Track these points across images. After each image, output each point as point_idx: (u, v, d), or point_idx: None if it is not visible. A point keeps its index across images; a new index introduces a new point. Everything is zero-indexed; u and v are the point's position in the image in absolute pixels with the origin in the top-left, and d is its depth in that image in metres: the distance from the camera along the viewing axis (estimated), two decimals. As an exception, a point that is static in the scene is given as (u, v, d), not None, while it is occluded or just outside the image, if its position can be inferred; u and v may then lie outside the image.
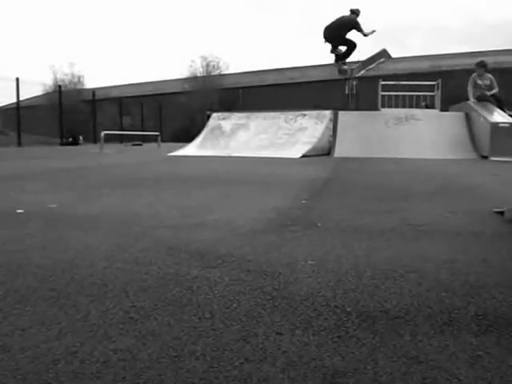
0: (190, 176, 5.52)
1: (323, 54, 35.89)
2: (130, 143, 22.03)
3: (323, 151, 10.26)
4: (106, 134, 14.13)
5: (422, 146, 9.95)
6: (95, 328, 1.19)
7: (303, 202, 3.38)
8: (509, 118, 9.75)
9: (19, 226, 2.47)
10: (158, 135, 18.21)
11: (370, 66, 34.52)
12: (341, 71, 11.39)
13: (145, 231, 2.35)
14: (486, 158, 9.21)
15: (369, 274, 1.65)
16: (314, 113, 11.16)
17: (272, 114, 11.70)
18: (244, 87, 36.65)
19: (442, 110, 12.42)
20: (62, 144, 21.81)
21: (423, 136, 10.32)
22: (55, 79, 32.47)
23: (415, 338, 1.15)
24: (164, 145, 17.77)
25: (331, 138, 10.69)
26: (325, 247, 2.04)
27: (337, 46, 10.96)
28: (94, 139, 23.32)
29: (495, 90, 10.68)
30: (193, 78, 36.97)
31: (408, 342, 1.13)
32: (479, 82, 10.75)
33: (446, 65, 28.95)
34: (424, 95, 13.67)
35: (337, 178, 5.52)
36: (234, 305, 1.36)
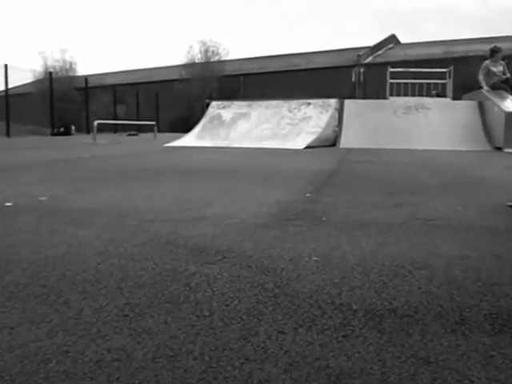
0: (188, 168, 5.52)
1: (329, 40, 35.86)
2: (125, 133, 21.99)
3: (328, 142, 10.25)
4: (99, 124, 14.12)
5: (433, 136, 9.94)
6: (88, 326, 1.20)
7: (307, 195, 3.38)
8: (525, 107, 9.71)
9: (8, 220, 2.47)
10: (154, 125, 18.19)
11: (378, 53, 34.44)
12: None
13: (141, 225, 2.35)
14: (500, 149, 9.19)
15: (376, 271, 1.65)
16: (319, 101, 11.14)
17: (274, 102, 11.68)
18: (245, 74, 36.59)
19: (454, 98, 12.39)
20: (53, 134, 21.78)
21: (434, 126, 10.30)
22: (46, 66, 32.53)
23: (425, 337, 1.15)
24: (160, 135, 17.76)
25: (337, 128, 10.67)
26: (330, 243, 2.04)
27: None
28: (87, 129, 23.31)
29: (507, 76, 10.64)
30: (191, 65, 36.88)
31: (417, 341, 1.13)
32: (493, 69, 10.70)
33: (458, 51, 28.85)
34: (435, 83, 13.62)
35: (343, 170, 5.51)
36: (234, 302, 1.36)
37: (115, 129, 24.68)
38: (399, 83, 12.94)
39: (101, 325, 1.21)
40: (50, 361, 1.02)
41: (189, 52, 38.11)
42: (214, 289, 1.47)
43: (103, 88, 30.18)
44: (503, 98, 10.11)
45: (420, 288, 1.49)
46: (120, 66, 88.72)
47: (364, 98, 12.83)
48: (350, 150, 8.83)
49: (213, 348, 1.08)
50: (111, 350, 1.07)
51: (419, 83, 13.26)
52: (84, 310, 1.30)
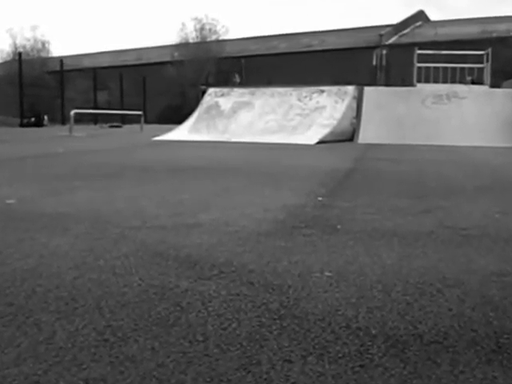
0: (180, 165, 5.52)
1: (346, 17, 35.85)
2: (107, 125, 22.05)
3: (345, 136, 10.24)
4: (76, 114, 14.16)
5: (467, 130, 9.92)
6: (62, 352, 1.20)
7: (319, 198, 3.38)
8: None
9: (-30, 226, 2.48)
10: (140, 115, 18.23)
11: (404, 32, 34.41)
12: None
13: (124, 233, 2.35)
14: (546, 145, 9.17)
15: (399, 289, 1.65)
16: (334, 89, 11.14)
17: (282, 89, 11.68)
18: (247, 56, 36.59)
19: (492, 86, 12.37)
20: (22, 125, 21.86)
21: (468, 118, 10.28)
22: (14, 45, 32.57)
23: (455, 368, 1.15)
24: (148, 127, 17.78)
25: (355, 120, 10.67)
26: (345, 255, 2.04)
27: None
28: (62, 119, 23.36)
29: None
30: (184, 45, 36.91)
31: (446, 372, 1.13)
32: None
33: (497, 30, 28.81)
34: (470, 68, 13.61)
35: (361, 169, 5.51)
36: (233, 325, 1.36)
37: (95, 119, 24.72)
38: (428, 68, 12.93)
39: (77, 351, 1.21)
40: (18, 392, 1.02)
41: (182, 30, 38.20)
42: (210, 309, 1.47)
43: (81, 71, 30.23)
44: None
45: (450, 310, 1.49)
46: (101, 46, 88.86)
47: (387, 84, 12.87)
48: (370, 146, 8.83)
49: (208, 379, 1.08)
50: (88, 380, 1.07)
51: (452, 68, 13.24)
52: (57, 334, 1.30)
